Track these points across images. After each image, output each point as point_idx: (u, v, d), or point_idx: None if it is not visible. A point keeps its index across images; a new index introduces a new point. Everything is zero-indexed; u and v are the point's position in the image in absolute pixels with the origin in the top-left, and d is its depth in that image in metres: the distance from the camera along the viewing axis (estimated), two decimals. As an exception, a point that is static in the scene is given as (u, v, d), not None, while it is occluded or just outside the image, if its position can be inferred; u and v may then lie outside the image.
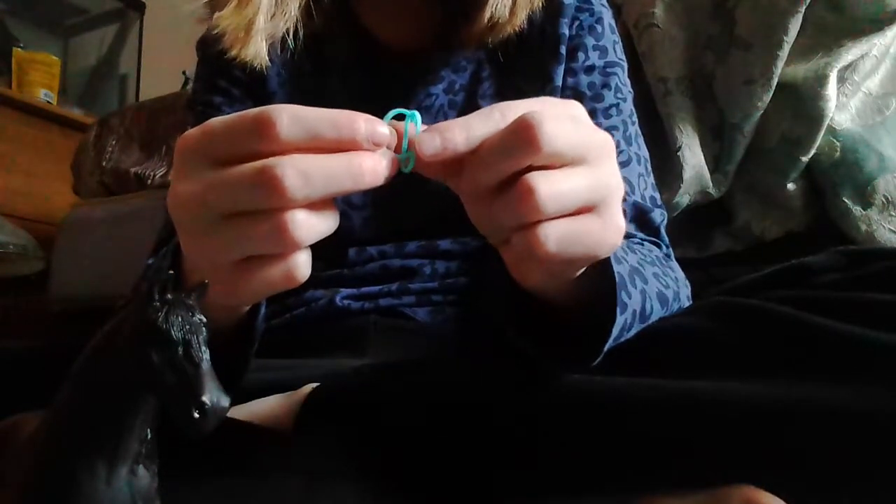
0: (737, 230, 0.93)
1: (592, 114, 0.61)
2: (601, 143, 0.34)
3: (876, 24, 0.83)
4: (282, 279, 0.33)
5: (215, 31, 0.58)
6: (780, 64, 0.85)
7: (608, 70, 0.63)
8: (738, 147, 0.90)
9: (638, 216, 0.59)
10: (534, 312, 0.43)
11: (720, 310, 0.42)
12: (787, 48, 0.84)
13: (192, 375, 0.26)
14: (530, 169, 0.32)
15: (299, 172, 0.30)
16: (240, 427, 0.42)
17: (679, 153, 0.90)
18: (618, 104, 0.63)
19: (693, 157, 0.90)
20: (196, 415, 0.26)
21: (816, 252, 0.46)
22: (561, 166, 0.32)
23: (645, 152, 0.64)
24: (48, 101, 2.22)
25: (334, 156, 0.31)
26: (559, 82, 0.62)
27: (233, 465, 0.38)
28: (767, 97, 0.86)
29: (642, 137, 0.64)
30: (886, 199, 0.83)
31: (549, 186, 0.31)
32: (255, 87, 0.65)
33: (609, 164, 0.34)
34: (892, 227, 0.83)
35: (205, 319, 0.28)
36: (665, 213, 0.62)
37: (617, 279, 0.39)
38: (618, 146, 0.60)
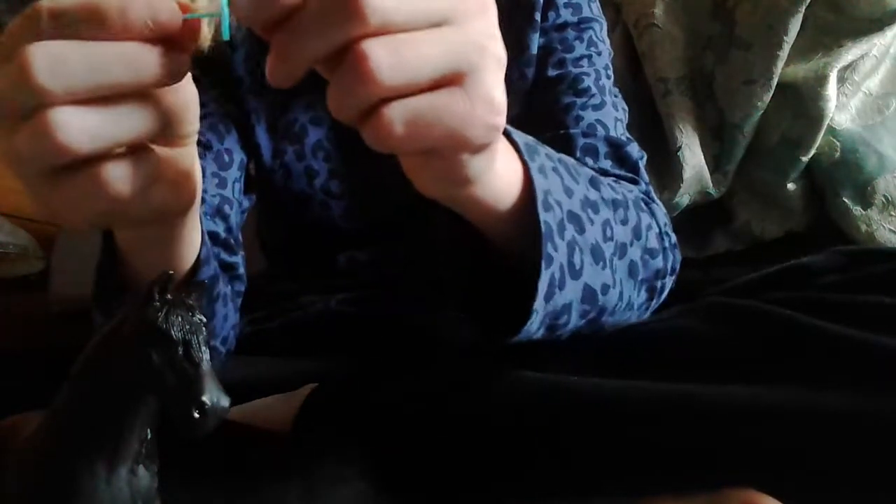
0: (737, 230, 0.93)
1: (561, 63, 0.59)
2: None
3: (876, 24, 0.83)
4: (93, 195, 0.28)
5: None
6: (780, 64, 0.85)
7: (582, 26, 0.62)
8: (738, 147, 0.90)
9: (613, 151, 0.56)
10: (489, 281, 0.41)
11: (718, 311, 0.42)
12: (787, 48, 0.84)
13: (192, 375, 0.26)
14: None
15: (52, 56, 0.26)
16: (239, 428, 0.42)
17: (679, 153, 0.90)
18: (590, 56, 0.61)
19: (693, 157, 0.90)
20: (196, 415, 0.26)
21: (816, 252, 0.46)
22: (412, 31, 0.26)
23: (623, 105, 0.62)
24: (48, 101, 2.22)
25: (100, 42, 0.26)
26: (535, 49, 0.61)
27: (232, 465, 0.38)
28: (767, 97, 0.86)
29: (620, 97, 0.62)
30: (886, 199, 0.83)
31: (388, 54, 0.25)
32: (222, 75, 0.63)
33: (479, 21, 0.28)
34: (892, 227, 0.83)
35: (205, 319, 0.28)
36: (643, 151, 0.59)
37: (543, 229, 0.36)
38: (588, 91, 0.58)
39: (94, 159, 0.28)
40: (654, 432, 0.35)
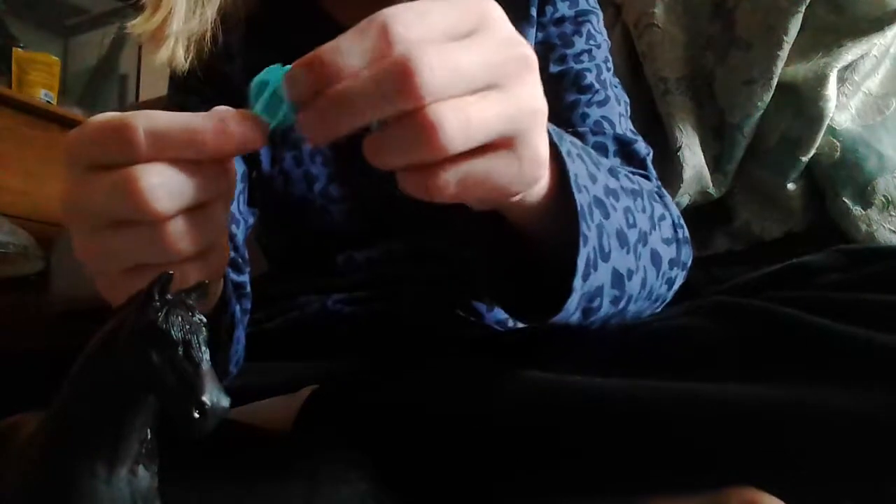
0: (737, 230, 0.93)
1: (562, 59, 0.60)
2: (515, 58, 0.29)
3: (876, 24, 0.83)
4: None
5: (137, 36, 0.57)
6: (780, 64, 0.85)
7: (580, 19, 0.62)
8: (738, 147, 0.90)
9: (621, 149, 0.57)
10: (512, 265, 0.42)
11: (722, 310, 0.42)
12: (787, 48, 0.84)
13: (192, 375, 0.26)
14: None
15: (163, 182, 0.28)
16: (240, 429, 0.42)
17: (679, 153, 0.90)
18: (590, 50, 0.61)
19: (693, 157, 0.90)
20: (196, 415, 0.26)
21: (816, 252, 0.46)
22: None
23: (625, 97, 0.62)
24: (48, 101, 2.22)
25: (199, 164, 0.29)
26: (532, 45, 0.59)
27: (232, 466, 0.38)
28: (767, 97, 0.86)
29: (620, 88, 0.62)
30: (886, 199, 0.83)
31: (460, 118, 0.26)
32: (222, 85, 0.63)
33: (527, 83, 0.29)
34: (892, 227, 0.83)
35: (205, 319, 0.28)
36: (650, 148, 0.59)
37: (578, 208, 0.36)
38: (591, 88, 0.59)
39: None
40: (658, 431, 0.35)
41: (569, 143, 0.39)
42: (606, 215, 0.40)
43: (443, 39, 0.27)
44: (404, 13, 0.27)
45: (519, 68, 0.29)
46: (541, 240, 0.40)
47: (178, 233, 0.29)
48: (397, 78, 0.26)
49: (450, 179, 0.28)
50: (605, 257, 0.39)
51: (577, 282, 0.37)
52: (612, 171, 0.44)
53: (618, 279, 0.41)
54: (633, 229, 0.43)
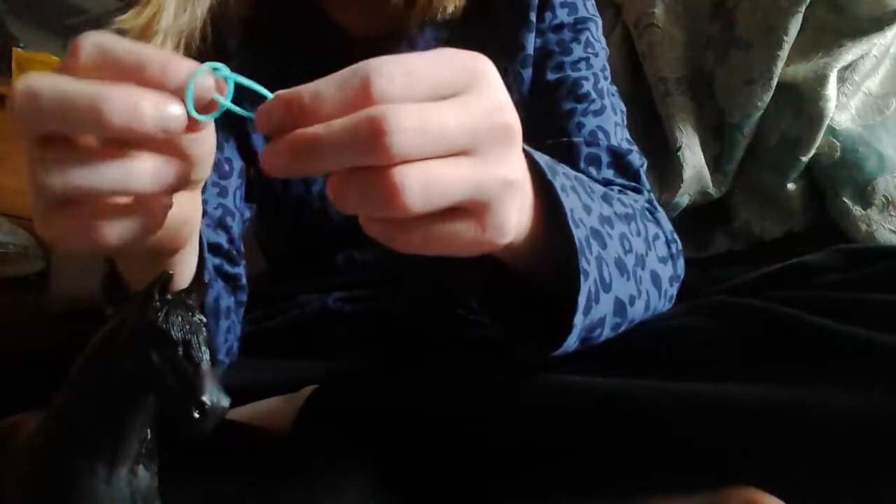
0: (737, 230, 0.93)
1: (560, 67, 0.60)
2: (497, 127, 0.28)
3: (876, 24, 0.83)
4: (84, 232, 0.29)
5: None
6: (780, 64, 0.85)
7: (579, 26, 0.62)
8: (738, 147, 0.90)
9: (615, 161, 0.57)
10: (511, 298, 0.42)
11: (723, 310, 0.42)
12: (787, 48, 0.84)
13: (192, 375, 0.26)
14: None
15: (46, 88, 0.27)
16: (240, 428, 0.42)
17: (679, 153, 0.90)
18: (588, 58, 0.61)
19: (693, 157, 0.90)
20: (196, 415, 0.26)
21: (816, 252, 0.46)
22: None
23: (621, 106, 0.62)
24: (48, 101, 2.22)
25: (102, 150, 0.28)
26: (530, 49, 0.60)
27: (232, 466, 0.38)
28: (767, 97, 0.86)
29: (617, 97, 0.62)
30: (886, 199, 0.83)
31: (420, 187, 0.26)
32: None
33: (504, 154, 0.29)
34: (892, 227, 0.83)
35: (205, 319, 0.28)
36: (644, 159, 0.59)
37: (577, 245, 0.36)
38: (588, 97, 0.59)
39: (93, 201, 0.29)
40: (658, 431, 0.35)
41: (562, 176, 0.38)
42: (604, 245, 0.40)
43: (424, 98, 0.27)
44: (391, 67, 0.27)
45: (499, 138, 0.28)
46: (535, 273, 0.40)
47: (44, 161, 0.28)
48: (369, 135, 0.25)
49: (412, 236, 0.28)
50: (607, 288, 0.39)
51: (578, 318, 0.37)
52: (605, 197, 0.44)
53: (620, 307, 0.41)
54: (629, 254, 0.43)
